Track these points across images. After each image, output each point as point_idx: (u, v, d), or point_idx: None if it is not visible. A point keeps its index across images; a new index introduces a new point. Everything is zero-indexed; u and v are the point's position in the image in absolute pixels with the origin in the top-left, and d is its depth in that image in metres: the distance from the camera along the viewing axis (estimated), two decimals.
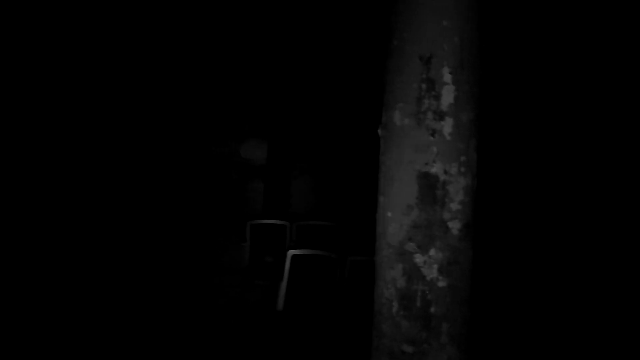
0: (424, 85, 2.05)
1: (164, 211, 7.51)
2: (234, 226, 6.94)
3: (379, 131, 2.19)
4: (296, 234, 6.29)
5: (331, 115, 8.73)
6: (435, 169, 2.06)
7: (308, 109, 8.83)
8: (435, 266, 2.07)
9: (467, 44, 2.07)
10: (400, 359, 2.09)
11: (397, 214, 2.10)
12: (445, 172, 2.06)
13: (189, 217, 7.72)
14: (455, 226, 2.08)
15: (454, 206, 2.07)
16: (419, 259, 2.07)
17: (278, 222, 6.42)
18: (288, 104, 8.83)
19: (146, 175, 7.89)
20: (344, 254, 4.54)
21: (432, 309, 2.07)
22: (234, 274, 5.84)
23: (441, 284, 2.07)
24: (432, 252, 2.06)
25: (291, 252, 4.55)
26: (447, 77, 2.04)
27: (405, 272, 2.09)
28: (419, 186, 2.06)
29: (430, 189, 2.06)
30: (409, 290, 2.08)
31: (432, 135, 2.05)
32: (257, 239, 6.06)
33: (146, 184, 7.77)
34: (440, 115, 2.05)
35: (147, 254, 6.01)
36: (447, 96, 2.05)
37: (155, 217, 7.17)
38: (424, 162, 2.06)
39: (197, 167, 8.34)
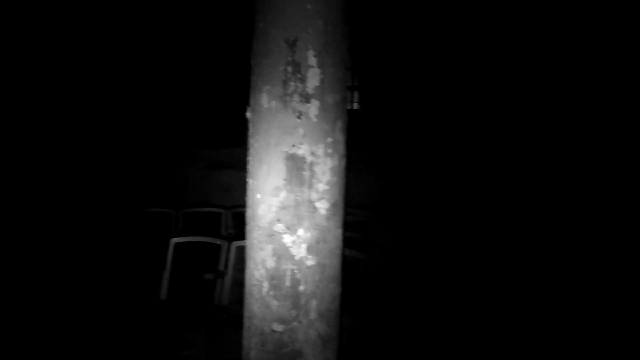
0: (289, 68, 2.07)
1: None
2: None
3: (247, 114, 2.19)
4: (182, 222, 6.18)
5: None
6: (303, 150, 2.09)
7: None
8: (304, 245, 2.11)
9: (332, 27, 2.11)
10: (271, 338, 2.12)
11: (266, 195, 2.12)
12: (312, 153, 2.10)
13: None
14: (322, 206, 2.14)
15: (321, 187, 2.13)
16: (287, 239, 2.11)
17: (164, 209, 6.28)
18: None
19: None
20: (229, 240, 4.52)
21: (301, 287, 2.12)
22: None
23: (310, 262, 2.12)
24: (300, 232, 2.11)
25: (174, 240, 4.46)
26: (312, 60, 2.08)
27: (275, 252, 2.12)
28: (287, 168, 2.09)
29: (297, 170, 2.09)
30: (279, 270, 2.11)
31: (299, 117, 2.08)
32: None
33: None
34: (306, 98, 2.08)
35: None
36: (313, 79, 2.08)
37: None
38: (291, 144, 2.09)
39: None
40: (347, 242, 4.43)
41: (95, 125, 7.97)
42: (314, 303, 2.14)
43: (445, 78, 8.60)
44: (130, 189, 8.07)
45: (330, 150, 2.14)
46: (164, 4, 8.36)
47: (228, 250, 4.36)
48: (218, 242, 4.43)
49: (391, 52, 8.34)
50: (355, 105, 10.11)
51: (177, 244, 4.44)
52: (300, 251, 2.11)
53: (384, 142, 8.79)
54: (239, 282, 3.88)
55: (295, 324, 2.12)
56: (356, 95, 10.08)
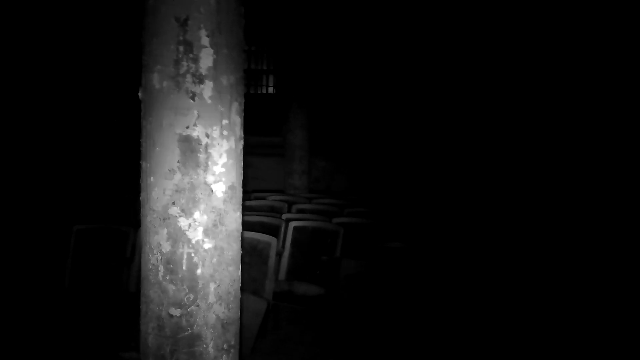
0: (181, 48, 2.02)
1: None
2: None
3: (139, 94, 2.12)
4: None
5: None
6: (197, 132, 2.06)
7: None
8: (201, 229, 2.09)
9: (225, 7, 2.07)
10: (169, 323, 2.09)
11: (159, 178, 2.08)
12: (207, 135, 2.07)
13: None
14: (219, 189, 2.12)
15: (218, 169, 2.10)
16: (183, 222, 2.07)
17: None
18: None
19: None
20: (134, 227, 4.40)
21: (199, 271, 2.09)
22: None
23: (207, 245, 2.10)
24: (196, 215, 2.08)
25: (76, 227, 4.29)
26: (205, 40, 2.04)
27: (170, 236, 2.08)
28: (181, 150, 2.05)
29: (192, 152, 2.06)
30: (175, 254, 2.08)
31: (192, 98, 2.04)
32: None
33: None
34: (199, 79, 2.04)
35: None
36: (206, 59, 2.04)
37: None
38: (184, 125, 2.05)
39: None
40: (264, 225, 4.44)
41: None
42: (212, 286, 2.12)
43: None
44: (33, 174, 7.70)
45: (226, 132, 2.12)
46: None
47: (135, 236, 4.24)
48: (124, 228, 4.30)
49: (307, 35, 8.31)
50: (271, 89, 10.04)
51: (79, 231, 4.27)
52: (196, 234, 2.08)
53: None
54: None
55: (193, 307, 2.09)
56: (271, 79, 10.02)
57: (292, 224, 4.82)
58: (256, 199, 6.58)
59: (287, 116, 8.02)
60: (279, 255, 4.59)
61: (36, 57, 7.84)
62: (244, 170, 2.25)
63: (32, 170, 7.76)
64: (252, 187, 7.71)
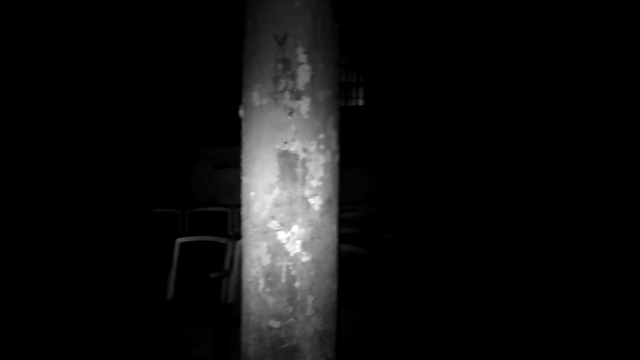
0: (279, 65, 2.08)
1: None
2: None
3: (240, 112, 2.20)
4: (189, 222, 6.22)
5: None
6: (295, 147, 2.10)
7: None
8: (299, 242, 2.12)
9: (321, 23, 2.11)
10: (268, 335, 2.13)
11: (259, 193, 2.13)
12: (305, 150, 2.11)
13: None
14: (316, 202, 2.14)
15: (315, 183, 2.13)
16: (282, 235, 2.11)
17: (170, 210, 6.31)
18: None
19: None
20: (235, 239, 4.54)
21: (297, 284, 2.13)
22: None
23: (305, 258, 2.13)
24: (294, 228, 2.12)
25: (179, 240, 4.49)
26: (302, 56, 2.08)
27: (270, 249, 2.13)
28: (280, 165, 2.10)
29: (290, 167, 2.10)
30: (274, 267, 2.12)
31: (290, 114, 2.09)
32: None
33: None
34: (297, 95, 2.09)
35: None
36: (303, 75, 2.09)
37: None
38: (283, 141, 2.10)
39: None
40: (352, 237, 4.44)
41: (102, 127, 8.02)
42: (310, 299, 2.15)
43: (452, 77, 8.58)
44: (136, 190, 8.12)
45: (322, 147, 2.14)
46: (168, 5, 8.40)
47: (233, 248, 4.38)
48: (223, 241, 4.45)
49: (396, 49, 8.33)
50: (360, 102, 10.12)
51: (182, 244, 4.46)
52: (295, 247, 2.12)
53: (388, 138, 8.78)
54: None
55: (291, 320, 2.13)
56: (361, 91, 10.09)
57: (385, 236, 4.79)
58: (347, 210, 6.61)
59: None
60: (372, 267, 4.57)
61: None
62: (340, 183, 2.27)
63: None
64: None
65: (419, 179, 8.56)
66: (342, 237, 2.37)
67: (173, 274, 4.39)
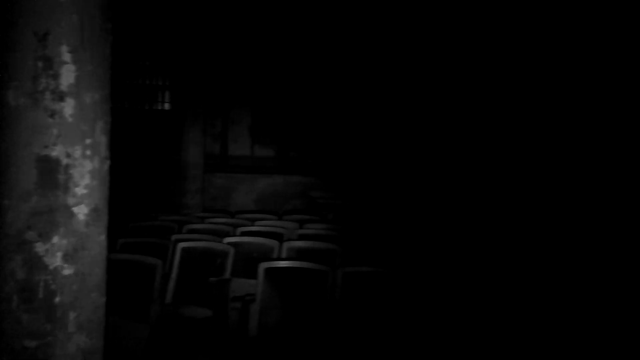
0: (40, 63, 1.92)
1: None
2: None
3: None
4: None
5: None
6: (57, 152, 1.96)
7: None
8: (59, 254, 1.98)
9: (89, 23, 2.00)
10: (23, 356, 1.95)
11: (14, 201, 1.95)
12: (68, 155, 1.97)
13: None
14: (81, 211, 2.02)
15: (79, 190, 2.01)
16: (40, 247, 1.95)
17: None
18: None
19: None
20: None
21: (57, 299, 1.98)
22: None
23: (66, 272, 1.99)
24: (55, 239, 1.97)
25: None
26: (67, 56, 1.95)
27: (26, 262, 1.95)
28: (38, 170, 1.94)
29: (51, 173, 1.95)
30: (30, 281, 1.95)
31: (52, 116, 1.94)
32: None
33: None
34: (60, 96, 1.95)
35: None
36: (67, 76, 1.96)
37: None
38: (43, 144, 1.94)
39: None
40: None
41: None
42: (72, 315, 2.01)
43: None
44: None
45: (89, 152, 2.03)
46: None
47: None
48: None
49: (204, 51, 8.22)
50: (167, 105, 9.83)
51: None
52: (55, 260, 1.97)
53: None
54: None
55: (50, 338, 1.97)
56: (167, 95, 9.80)
57: (180, 245, 4.70)
58: (146, 219, 6.37)
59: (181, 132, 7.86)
60: (166, 277, 4.45)
61: None
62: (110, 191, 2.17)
63: None
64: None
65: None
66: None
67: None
